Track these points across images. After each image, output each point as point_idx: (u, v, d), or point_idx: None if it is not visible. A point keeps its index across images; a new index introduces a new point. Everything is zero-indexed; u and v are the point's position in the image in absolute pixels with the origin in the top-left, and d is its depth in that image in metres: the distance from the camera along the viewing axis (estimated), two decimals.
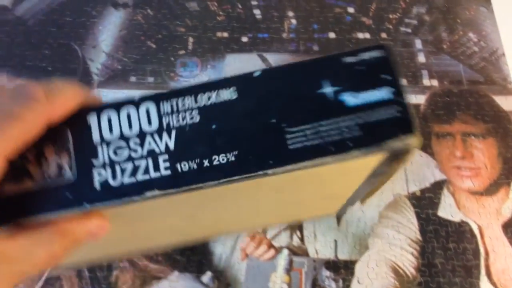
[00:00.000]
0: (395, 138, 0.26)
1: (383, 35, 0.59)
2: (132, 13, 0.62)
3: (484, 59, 0.59)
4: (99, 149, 0.28)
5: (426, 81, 0.57)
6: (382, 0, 0.61)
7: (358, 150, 0.26)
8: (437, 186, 0.53)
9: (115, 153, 0.28)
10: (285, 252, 0.51)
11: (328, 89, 0.27)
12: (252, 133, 0.27)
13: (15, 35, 0.61)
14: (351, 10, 0.61)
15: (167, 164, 0.27)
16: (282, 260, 0.51)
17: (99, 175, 0.27)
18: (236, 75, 0.28)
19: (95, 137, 0.28)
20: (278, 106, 0.28)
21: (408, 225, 0.51)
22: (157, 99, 0.28)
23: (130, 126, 0.28)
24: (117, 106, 0.28)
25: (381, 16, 0.60)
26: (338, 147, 0.27)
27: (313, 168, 0.27)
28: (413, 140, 0.26)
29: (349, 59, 0.28)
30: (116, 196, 0.27)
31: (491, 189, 0.53)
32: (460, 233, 0.51)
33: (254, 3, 0.62)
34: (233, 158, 0.27)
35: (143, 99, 0.28)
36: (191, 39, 0.60)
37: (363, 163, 0.30)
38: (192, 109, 0.28)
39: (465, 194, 0.53)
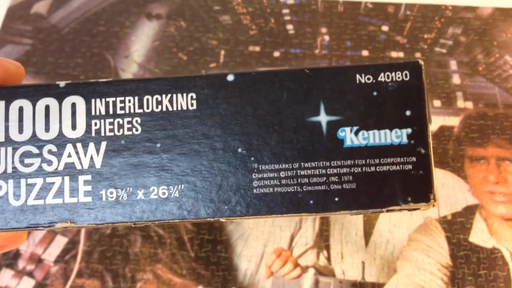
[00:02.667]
0: (400, 203, 0.20)
1: (418, 54, 0.58)
2: (165, 24, 0.62)
3: None
4: (2, 152, 0.21)
5: (460, 103, 0.56)
6: (417, 20, 0.61)
7: (345, 210, 0.20)
8: (469, 211, 0.52)
9: (22, 161, 0.21)
10: (311, 271, 0.50)
11: (323, 118, 0.20)
12: (208, 164, 0.20)
13: (49, 43, 0.61)
14: (385, 28, 0.61)
15: (89, 187, 0.21)
16: (308, 279, 0.50)
17: None
18: (201, 74, 0.22)
19: None
20: (249, 131, 0.20)
21: (438, 249, 0.50)
22: (89, 93, 0.21)
23: (47, 125, 0.21)
24: (34, 93, 0.21)
25: (415, 35, 0.60)
26: (319, 202, 0.20)
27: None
28: (426, 207, 0.20)
29: (364, 79, 0.21)
30: (16, 221, 0.20)
31: None
32: (492, 260, 0.50)
33: (287, 18, 0.62)
34: (176, 194, 0.20)
35: (70, 87, 0.21)
36: (222, 52, 0.60)
37: None
38: (133, 116, 0.21)
39: (497, 220, 0.52)
